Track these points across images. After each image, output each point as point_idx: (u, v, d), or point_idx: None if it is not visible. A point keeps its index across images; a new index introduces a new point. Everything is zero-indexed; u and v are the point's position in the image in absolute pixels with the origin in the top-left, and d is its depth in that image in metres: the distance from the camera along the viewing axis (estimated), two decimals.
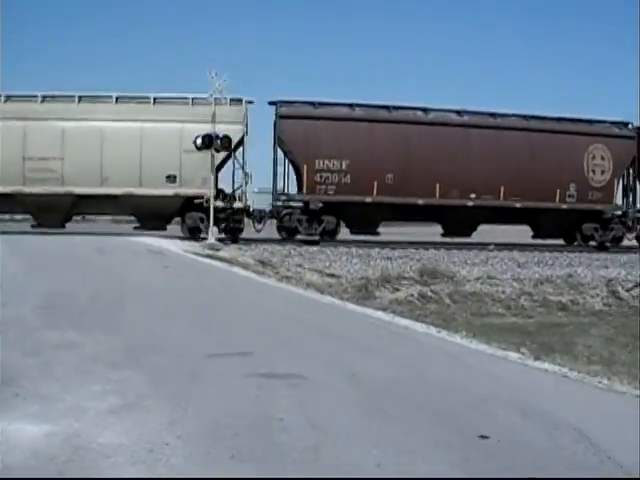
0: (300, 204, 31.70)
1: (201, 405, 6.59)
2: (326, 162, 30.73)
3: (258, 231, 31.22)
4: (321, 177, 30.78)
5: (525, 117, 33.46)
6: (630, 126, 34.45)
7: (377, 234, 32.48)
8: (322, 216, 31.13)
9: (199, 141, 27.49)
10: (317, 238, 31.20)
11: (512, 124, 32.93)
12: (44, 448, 5.35)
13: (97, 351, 8.62)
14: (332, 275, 24.16)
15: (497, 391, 7.73)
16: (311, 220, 31.14)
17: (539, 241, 33.71)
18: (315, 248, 28.25)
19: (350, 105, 32.01)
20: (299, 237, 31.39)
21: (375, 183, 30.88)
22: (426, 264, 25.58)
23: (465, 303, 22.77)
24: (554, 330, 19.03)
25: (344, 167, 30.77)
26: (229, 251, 25.19)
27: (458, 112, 32.80)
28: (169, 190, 29.62)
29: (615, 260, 29.21)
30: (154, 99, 30.12)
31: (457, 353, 10.18)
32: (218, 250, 25.10)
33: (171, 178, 29.65)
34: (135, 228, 30.94)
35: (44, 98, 29.60)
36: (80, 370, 7.68)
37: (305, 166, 30.71)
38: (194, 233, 29.94)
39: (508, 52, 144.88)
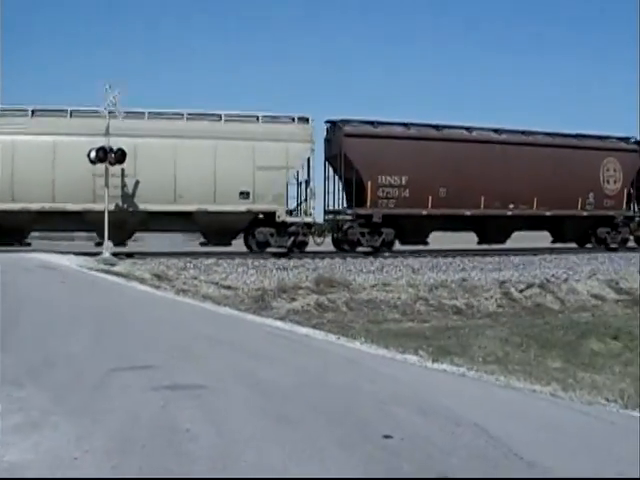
0: (350, 217, 33.23)
1: (107, 419, 6.57)
2: (388, 178, 32.72)
3: (319, 244, 32.87)
4: (383, 192, 32.75)
5: (551, 134, 36.85)
6: (632, 140, 38.42)
7: (427, 244, 34.58)
8: (382, 228, 32.76)
9: (93, 154, 27.15)
10: (369, 249, 32.96)
11: (541, 141, 36.20)
12: None
13: None
14: (228, 287, 24.21)
15: (398, 392, 7.94)
16: (372, 232, 32.71)
17: (432, 247, 34.31)
18: (211, 261, 28.11)
19: (405, 124, 34.10)
20: (360, 249, 32.89)
21: (430, 197, 33.02)
22: (322, 273, 25.83)
23: (362, 310, 23.11)
24: (450, 333, 19.50)
25: (403, 182, 32.85)
26: (125, 266, 24.93)
27: (496, 130, 35.47)
28: (242, 206, 30.44)
29: (507, 262, 30.00)
30: (224, 116, 30.76)
31: (357, 358, 10.37)
32: (113, 265, 24.84)
33: (244, 194, 30.44)
34: (201, 244, 31.84)
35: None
36: None
37: (369, 182, 32.36)
38: (262, 247, 31.22)
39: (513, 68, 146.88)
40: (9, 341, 10.44)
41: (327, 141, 33.68)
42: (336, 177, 33.80)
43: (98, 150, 27.13)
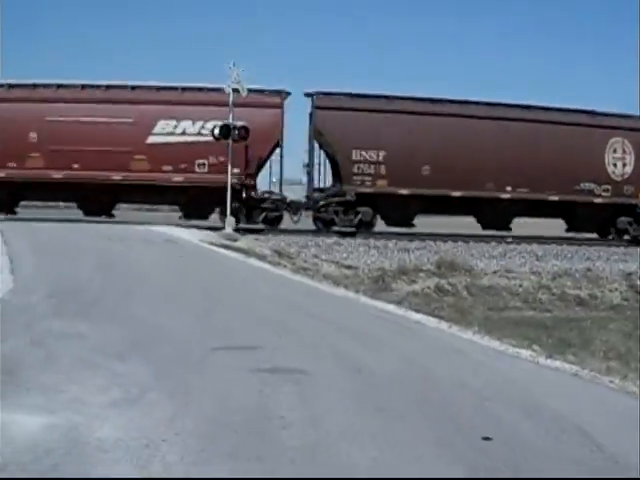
0: None
1: (203, 400, 6.53)
2: None
3: None
4: None
5: None
6: None
7: None
8: None
9: (217, 131, 27.57)
10: None
11: None
12: (42, 441, 5.29)
13: (103, 342, 8.58)
14: (349, 267, 24.08)
15: (503, 390, 7.63)
16: None
17: (557, 234, 33.58)
18: (332, 240, 28.09)
19: None
20: None
21: None
22: (444, 256, 25.43)
23: (482, 296, 22.61)
24: (572, 325, 18.85)
25: None
26: (246, 242, 25.14)
27: None
28: None
29: (634, 254, 28.97)
30: None
31: (467, 350, 10.06)
32: (235, 240, 25.06)
33: None
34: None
35: None
36: (84, 362, 7.65)
37: None
38: None
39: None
40: (120, 315, 10.60)
41: None
42: None
43: (222, 127, 27.49)
